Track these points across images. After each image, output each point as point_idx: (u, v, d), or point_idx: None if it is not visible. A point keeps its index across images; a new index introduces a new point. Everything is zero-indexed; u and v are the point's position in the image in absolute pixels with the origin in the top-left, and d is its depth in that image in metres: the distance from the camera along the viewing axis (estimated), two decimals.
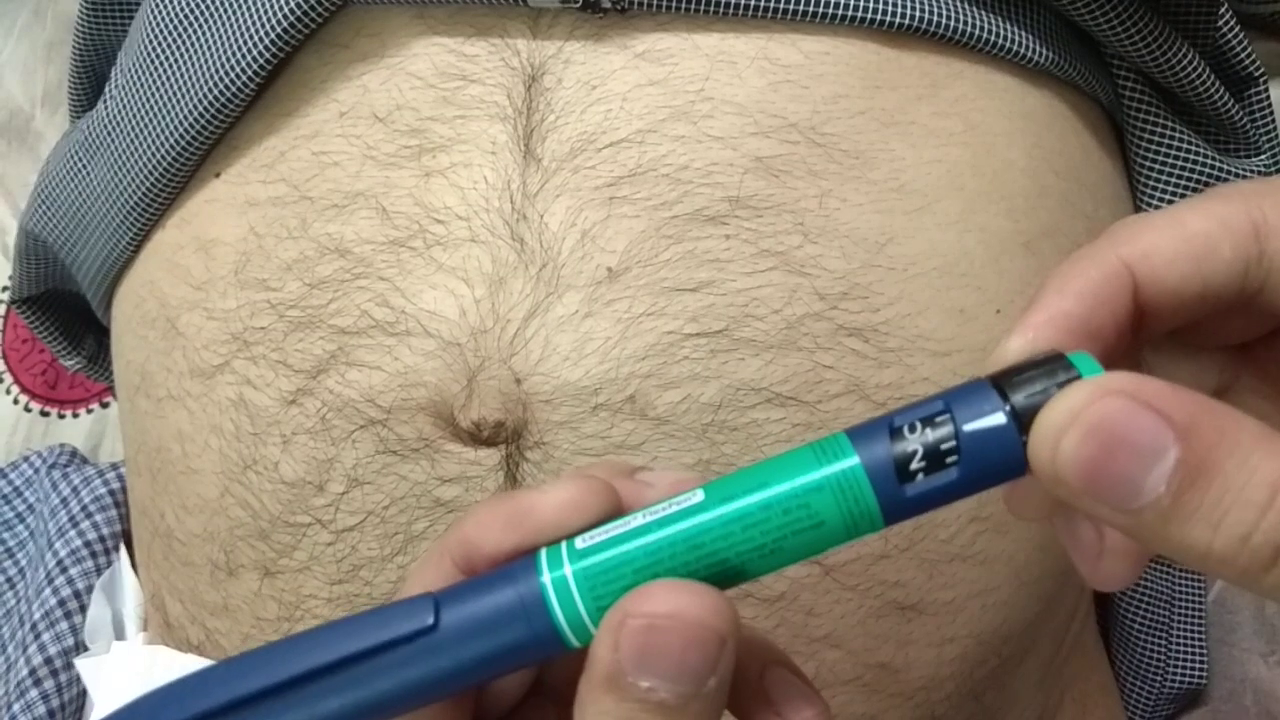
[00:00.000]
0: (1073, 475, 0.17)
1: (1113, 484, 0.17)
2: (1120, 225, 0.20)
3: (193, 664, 0.39)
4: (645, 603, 0.19)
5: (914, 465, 0.19)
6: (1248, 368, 0.23)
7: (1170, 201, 0.44)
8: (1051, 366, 0.19)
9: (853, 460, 0.19)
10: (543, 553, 0.20)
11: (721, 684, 0.19)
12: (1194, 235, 0.19)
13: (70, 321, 0.56)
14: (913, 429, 0.19)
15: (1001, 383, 0.19)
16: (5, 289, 0.67)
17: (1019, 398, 0.18)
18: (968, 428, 0.18)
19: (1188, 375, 0.23)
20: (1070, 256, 0.20)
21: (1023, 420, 0.18)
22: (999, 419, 0.18)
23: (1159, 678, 0.49)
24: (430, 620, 0.20)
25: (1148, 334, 0.20)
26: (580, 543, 0.20)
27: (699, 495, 0.20)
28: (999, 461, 0.19)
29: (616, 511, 0.21)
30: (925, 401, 0.19)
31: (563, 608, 0.20)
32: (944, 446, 0.19)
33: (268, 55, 0.37)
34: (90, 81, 0.53)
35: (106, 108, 0.43)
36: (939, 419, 0.19)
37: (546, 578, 0.20)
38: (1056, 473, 0.17)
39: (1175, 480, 0.16)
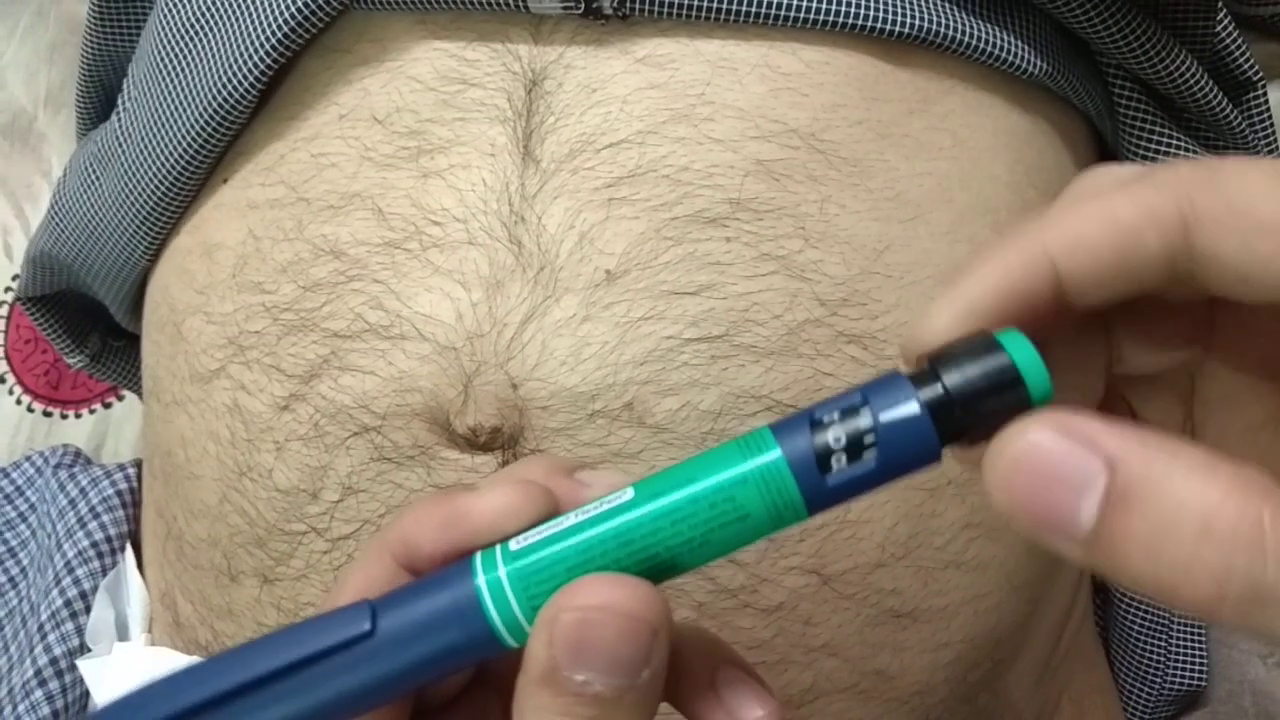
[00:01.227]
0: (1013, 509, 0.18)
1: (1051, 514, 0.17)
2: (1056, 207, 0.20)
3: None
4: (576, 596, 0.19)
5: (834, 456, 0.19)
6: (1212, 342, 0.23)
7: None
8: (978, 347, 0.19)
9: (775, 453, 0.20)
10: (477, 556, 0.21)
11: (655, 676, 0.20)
12: (1122, 228, 0.19)
13: (75, 319, 0.56)
14: (833, 421, 0.19)
15: (932, 365, 0.19)
16: (8, 289, 0.67)
17: (948, 379, 0.19)
18: (884, 417, 0.19)
19: (1152, 356, 0.23)
20: (1000, 236, 0.20)
21: (946, 406, 0.19)
22: (913, 408, 0.19)
23: (1158, 678, 0.49)
24: (367, 626, 0.20)
25: (1075, 313, 0.20)
26: (514, 544, 0.21)
27: (629, 493, 0.21)
28: (914, 449, 0.19)
29: (552, 513, 0.21)
30: (845, 394, 0.20)
31: (498, 609, 0.20)
32: (863, 436, 0.19)
33: (269, 60, 0.37)
34: (99, 94, 0.53)
35: (120, 120, 0.43)
36: (858, 410, 0.19)
37: (481, 580, 0.20)
38: (1007, 510, 0.18)
39: (1104, 508, 0.17)
